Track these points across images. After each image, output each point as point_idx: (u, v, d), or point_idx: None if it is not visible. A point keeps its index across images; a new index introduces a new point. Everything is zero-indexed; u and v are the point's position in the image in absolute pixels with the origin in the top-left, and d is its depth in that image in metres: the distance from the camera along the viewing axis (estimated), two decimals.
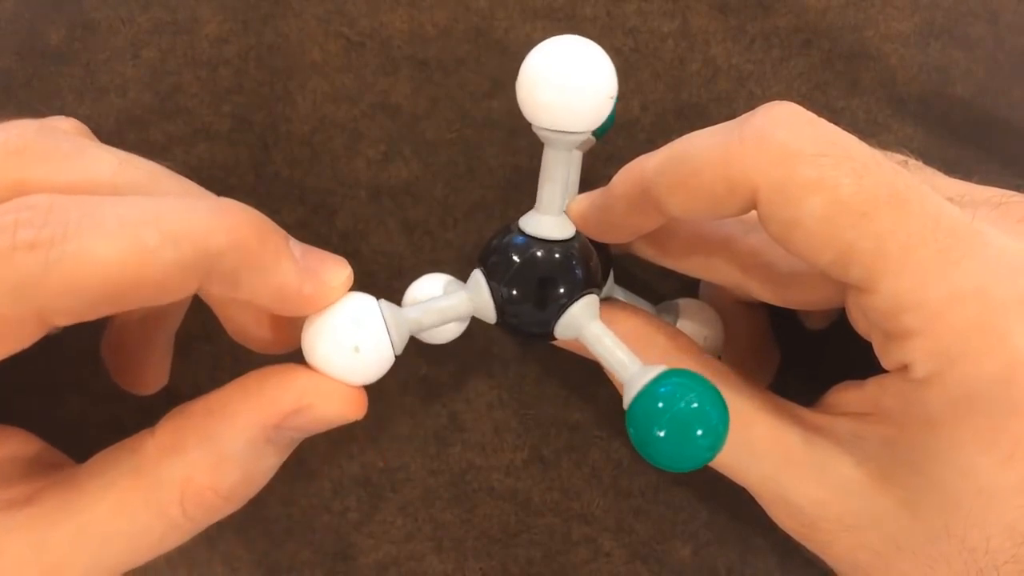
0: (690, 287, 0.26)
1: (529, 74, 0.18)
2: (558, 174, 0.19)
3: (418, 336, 0.21)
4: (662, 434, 0.17)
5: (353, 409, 0.19)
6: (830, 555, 0.20)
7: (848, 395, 0.20)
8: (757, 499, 0.20)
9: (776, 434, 0.20)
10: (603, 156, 0.27)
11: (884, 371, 0.19)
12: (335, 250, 0.19)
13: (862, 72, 0.28)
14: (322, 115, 0.27)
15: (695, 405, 0.17)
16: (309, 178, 0.26)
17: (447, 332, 0.21)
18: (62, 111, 0.24)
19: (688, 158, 0.18)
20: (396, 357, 0.19)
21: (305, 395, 0.18)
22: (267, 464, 0.19)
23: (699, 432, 0.17)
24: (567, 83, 0.17)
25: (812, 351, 0.25)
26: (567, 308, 0.19)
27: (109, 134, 0.26)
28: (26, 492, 0.18)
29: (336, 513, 0.26)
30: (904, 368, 0.17)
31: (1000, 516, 0.17)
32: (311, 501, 0.26)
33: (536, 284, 0.19)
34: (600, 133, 0.24)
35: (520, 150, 0.27)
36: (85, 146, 0.19)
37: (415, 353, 0.26)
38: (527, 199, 0.25)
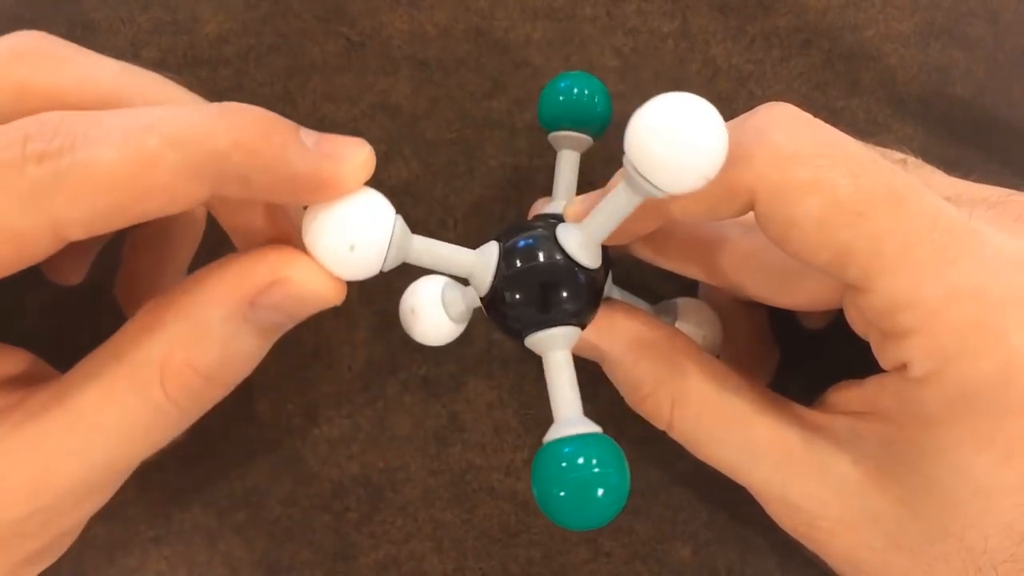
0: (688, 287, 0.26)
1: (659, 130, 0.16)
2: (617, 212, 0.18)
3: (412, 333, 0.21)
4: (563, 494, 0.17)
5: (331, 288, 0.18)
6: (829, 554, 0.20)
7: (847, 394, 0.20)
8: (757, 498, 0.20)
9: (775, 433, 0.20)
10: (603, 156, 0.27)
11: (883, 371, 0.19)
12: None
13: (862, 72, 0.28)
14: (322, 115, 0.27)
15: (596, 470, 0.17)
16: None
17: (444, 333, 0.21)
18: None
19: None
20: (381, 272, 0.18)
21: (281, 268, 0.17)
22: (247, 347, 0.18)
23: (600, 492, 0.17)
24: (690, 141, 0.16)
25: (811, 350, 0.25)
26: (551, 326, 0.19)
27: None
28: (19, 399, 0.18)
29: (336, 513, 0.26)
30: (902, 367, 0.17)
31: (998, 515, 0.17)
32: (311, 501, 0.26)
33: (539, 290, 0.19)
34: (597, 133, 0.24)
35: (520, 150, 0.27)
36: (86, 52, 0.19)
37: (415, 353, 0.26)
38: (527, 199, 0.25)
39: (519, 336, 0.19)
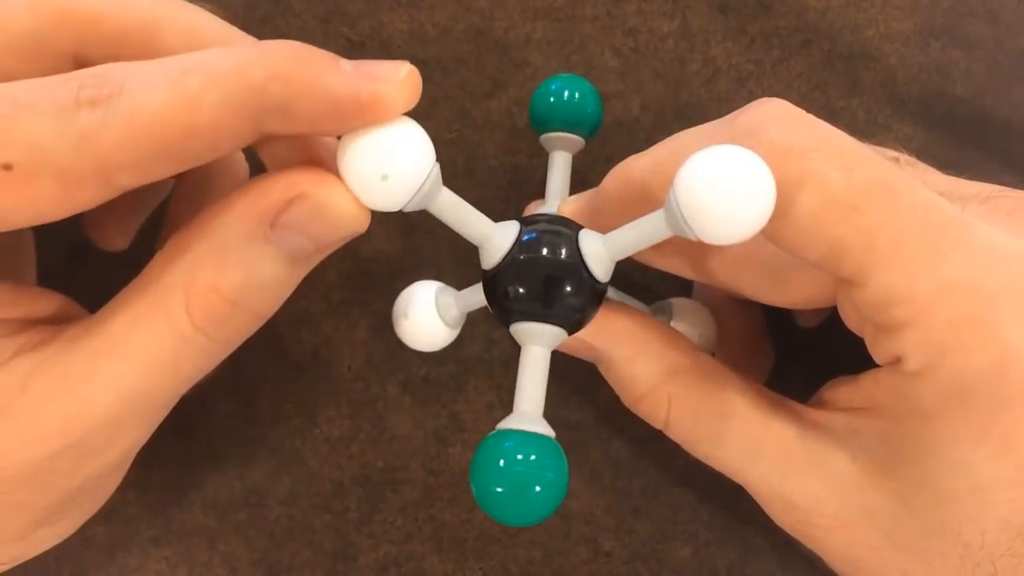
0: (684, 287, 0.26)
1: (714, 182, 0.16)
2: (644, 239, 0.18)
3: (406, 338, 0.21)
4: (500, 490, 0.17)
5: (354, 209, 0.17)
6: (827, 551, 0.20)
7: (842, 391, 0.20)
8: (754, 496, 0.20)
9: (772, 431, 0.20)
10: (603, 156, 0.27)
11: (877, 366, 0.19)
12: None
13: (862, 72, 0.28)
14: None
15: (532, 457, 0.17)
16: None
17: (438, 339, 0.21)
18: None
19: (679, 155, 0.18)
20: (402, 211, 0.18)
21: (300, 184, 0.17)
22: (272, 272, 0.17)
23: (537, 488, 0.17)
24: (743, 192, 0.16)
25: (807, 348, 0.25)
26: (543, 322, 0.19)
27: None
28: (51, 334, 0.18)
29: (336, 513, 0.26)
30: (896, 362, 0.17)
31: (994, 510, 0.17)
32: (311, 501, 0.26)
33: (543, 283, 0.19)
34: (589, 134, 0.24)
35: (520, 150, 0.27)
36: None
37: (415, 353, 0.26)
38: (527, 199, 0.25)
39: (507, 320, 0.19)
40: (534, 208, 0.24)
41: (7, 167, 0.15)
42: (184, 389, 0.19)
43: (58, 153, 0.15)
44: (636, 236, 0.18)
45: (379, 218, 0.27)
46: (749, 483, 0.20)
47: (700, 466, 0.21)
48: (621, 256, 0.19)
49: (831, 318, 0.22)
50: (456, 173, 0.27)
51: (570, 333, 0.19)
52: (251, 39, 0.20)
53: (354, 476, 0.26)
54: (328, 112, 0.16)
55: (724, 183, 0.16)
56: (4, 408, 0.17)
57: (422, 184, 0.17)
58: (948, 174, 0.22)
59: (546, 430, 0.18)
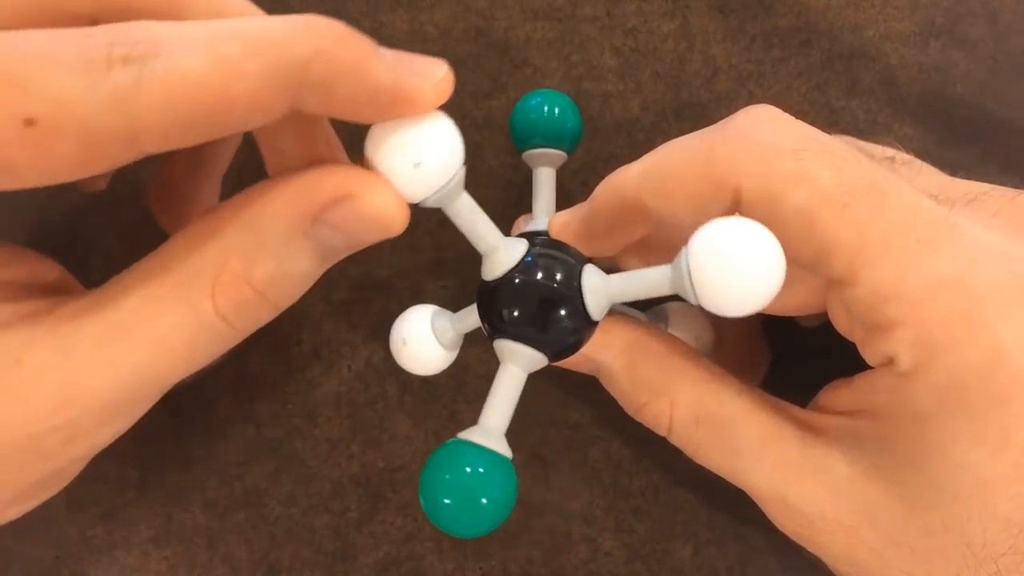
0: None
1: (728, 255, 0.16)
2: (645, 289, 0.18)
3: (405, 364, 0.21)
4: (448, 502, 0.17)
5: (397, 211, 0.17)
6: (829, 555, 0.20)
7: (839, 394, 0.20)
8: (756, 500, 0.20)
9: (773, 435, 0.20)
10: (603, 156, 0.27)
11: (872, 368, 0.19)
12: None
13: (862, 72, 0.28)
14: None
15: (481, 470, 0.17)
16: None
17: (437, 363, 0.21)
18: None
19: (671, 161, 0.18)
20: (421, 204, 0.18)
21: (350, 184, 0.17)
22: (302, 267, 0.17)
23: (484, 500, 0.17)
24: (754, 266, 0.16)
25: (807, 348, 0.25)
26: (528, 345, 0.19)
27: None
28: (51, 305, 0.17)
29: (336, 513, 0.26)
30: (889, 363, 0.17)
31: (995, 508, 0.17)
32: (311, 501, 0.26)
33: (537, 308, 0.19)
34: (570, 148, 0.24)
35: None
36: None
37: None
38: (527, 199, 0.25)
39: (493, 335, 0.19)
40: (522, 224, 0.24)
41: (30, 122, 0.14)
42: (186, 375, 0.18)
43: (86, 111, 0.14)
44: (638, 284, 0.18)
45: None
46: (751, 487, 0.20)
47: (700, 466, 0.21)
48: (619, 300, 0.19)
49: (829, 320, 0.22)
50: None
51: (551, 361, 0.19)
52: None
53: (354, 476, 0.26)
54: (366, 98, 0.16)
55: (737, 263, 0.16)
56: None
57: (451, 178, 0.17)
58: (950, 175, 0.22)
59: (504, 449, 0.18)
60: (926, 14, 0.28)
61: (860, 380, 0.19)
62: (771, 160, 0.17)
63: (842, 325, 0.19)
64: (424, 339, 0.21)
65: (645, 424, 0.21)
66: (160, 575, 0.26)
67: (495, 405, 0.19)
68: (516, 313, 0.19)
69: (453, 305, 0.22)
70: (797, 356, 0.25)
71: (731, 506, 0.26)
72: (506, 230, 0.26)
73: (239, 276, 0.16)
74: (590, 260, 0.20)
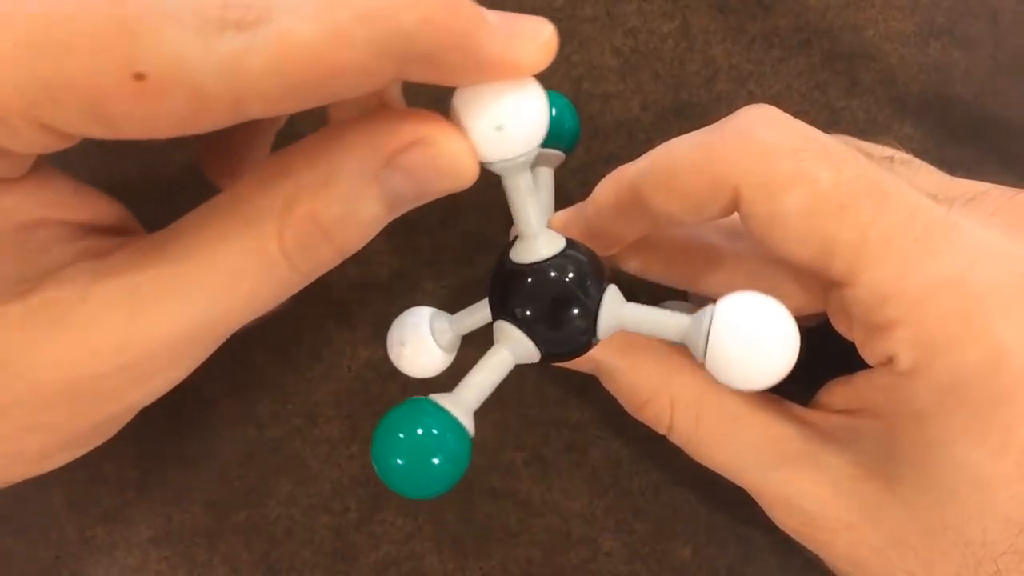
0: (679, 291, 0.26)
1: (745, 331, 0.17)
2: (656, 333, 0.19)
3: (403, 367, 0.21)
4: (401, 462, 0.17)
5: (470, 163, 0.17)
6: (830, 554, 0.20)
7: (839, 392, 0.20)
8: (757, 499, 0.20)
9: (773, 434, 0.20)
10: (603, 156, 0.27)
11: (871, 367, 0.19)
12: None
13: (862, 72, 0.28)
14: (323, 115, 0.27)
15: (434, 431, 0.17)
16: None
17: (436, 364, 0.21)
18: None
19: (671, 160, 0.18)
20: (486, 165, 0.17)
21: (423, 129, 0.16)
22: (368, 212, 0.17)
23: (436, 460, 0.17)
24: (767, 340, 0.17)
25: (803, 349, 0.25)
26: (525, 332, 0.19)
27: None
28: (115, 244, 0.17)
29: (336, 513, 0.26)
30: (889, 361, 0.17)
31: (995, 507, 0.17)
32: (311, 501, 0.26)
33: (548, 307, 0.19)
34: (568, 148, 0.24)
35: None
36: None
37: None
38: None
39: (498, 316, 0.19)
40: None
41: (140, 76, 0.14)
42: (245, 321, 0.17)
43: (197, 72, 0.14)
44: (651, 323, 0.18)
45: None
46: (751, 486, 0.20)
47: (700, 466, 0.21)
48: (628, 329, 0.19)
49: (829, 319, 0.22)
50: None
51: (541, 360, 0.19)
52: None
53: (354, 476, 0.26)
54: (471, 66, 0.15)
55: (756, 360, 0.16)
56: (58, 317, 0.16)
57: (530, 149, 0.17)
58: (950, 175, 0.22)
59: (468, 424, 0.17)
60: (926, 14, 0.28)
61: (860, 379, 0.19)
62: (770, 160, 0.17)
63: (841, 325, 0.19)
64: (423, 341, 0.21)
65: (645, 423, 0.21)
66: (160, 575, 0.26)
67: (473, 382, 0.19)
68: (533, 303, 0.19)
69: (453, 305, 0.22)
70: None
71: (731, 506, 0.26)
72: (504, 231, 0.26)
73: (307, 214, 0.16)
74: (614, 281, 0.20)
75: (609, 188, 0.20)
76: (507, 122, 0.16)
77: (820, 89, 0.27)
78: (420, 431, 0.17)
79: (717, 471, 0.21)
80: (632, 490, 0.26)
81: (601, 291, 0.19)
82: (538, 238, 0.19)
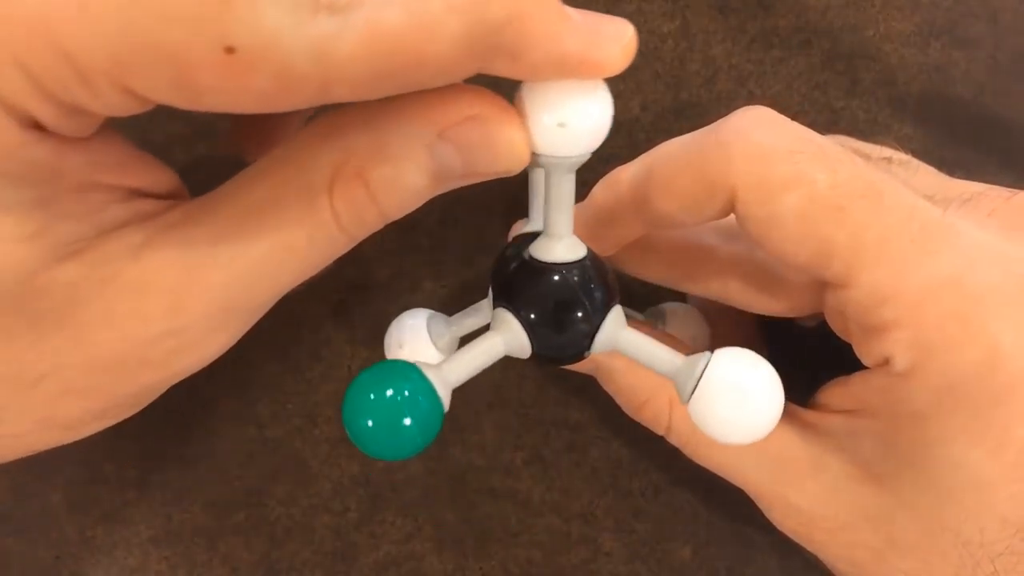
0: (677, 292, 0.26)
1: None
2: (644, 363, 0.19)
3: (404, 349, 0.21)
4: (371, 424, 0.16)
5: (521, 146, 0.17)
6: (828, 555, 0.20)
7: (837, 392, 0.20)
8: (756, 500, 0.20)
9: (773, 434, 0.20)
10: (603, 156, 0.27)
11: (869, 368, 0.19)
12: None
13: (862, 72, 0.28)
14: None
15: (406, 393, 0.16)
16: None
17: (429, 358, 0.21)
18: None
19: (667, 162, 0.18)
20: (535, 159, 0.17)
21: (480, 105, 0.16)
22: (415, 180, 0.17)
23: (407, 421, 0.16)
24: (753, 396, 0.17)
25: (807, 348, 0.25)
26: (523, 326, 0.19)
27: None
28: (167, 206, 0.17)
29: (336, 513, 0.26)
30: (886, 362, 0.17)
31: (992, 507, 0.17)
32: (311, 501, 0.26)
33: (552, 307, 0.19)
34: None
35: None
36: None
37: None
38: (527, 199, 0.25)
39: (503, 305, 0.19)
40: (519, 227, 0.24)
41: (230, 50, 0.13)
42: (292, 286, 0.17)
43: (288, 51, 0.14)
44: (645, 353, 0.18)
45: None
46: (750, 486, 0.20)
47: (699, 467, 0.21)
48: (621, 351, 0.19)
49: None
50: None
51: (529, 358, 0.19)
52: None
53: (354, 476, 0.26)
54: (552, 63, 0.15)
55: (740, 423, 0.16)
56: (110, 278, 0.16)
57: (585, 152, 0.17)
58: (951, 175, 0.22)
59: (445, 396, 0.17)
60: (926, 14, 0.28)
61: (856, 379, 0.19)
62: (765, 162, 0.17)
63: (838, 326, 0.19)
64: (421, 343, 0.21)
65: (644, 423, 0.21)
66: (160, 575, 0.26)
67: (459, 359, 0.18)
68: (542, 301, 0.19)
69: (453, 305, 0.22)
70: (795, 356, 0.25)
71: (731, 506, 0.26)
72: (503, 231, 0.26)
73: (357, 174, 0.16)
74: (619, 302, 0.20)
75: (606, 190, 0.20)
76: (572, 120, 0.16)
77: (820, 89, 0.27)
78: (393, 391, 0.16)
79: (715, 472, 0.21)
80: (632, 490, 0.26)
81: (607, 308, 0.19)
82: (564, 240, 0.19)
